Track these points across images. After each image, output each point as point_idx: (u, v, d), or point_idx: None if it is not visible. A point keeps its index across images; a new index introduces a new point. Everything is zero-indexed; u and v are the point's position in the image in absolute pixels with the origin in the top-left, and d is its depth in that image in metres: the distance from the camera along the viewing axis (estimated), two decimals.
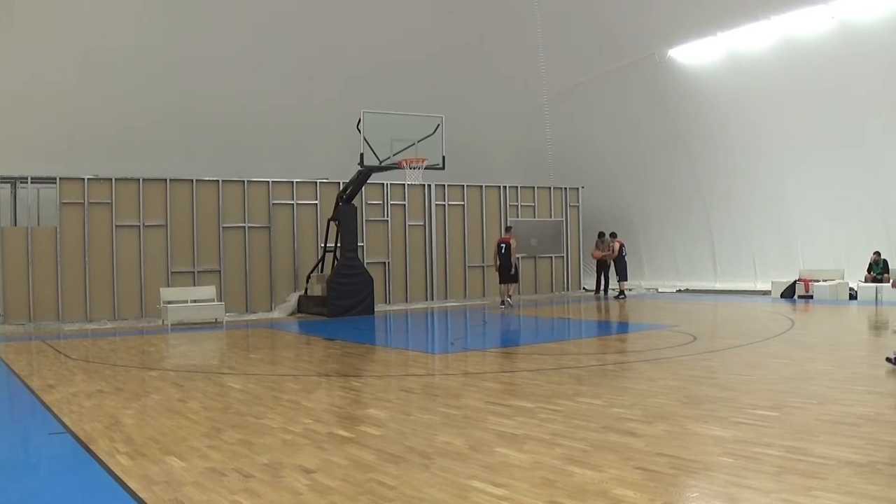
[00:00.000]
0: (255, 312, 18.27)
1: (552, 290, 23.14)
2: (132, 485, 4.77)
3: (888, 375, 8.09)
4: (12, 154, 17.00)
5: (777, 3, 17.36)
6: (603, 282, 21.93)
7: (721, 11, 18.20)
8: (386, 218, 20.33)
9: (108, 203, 16.89)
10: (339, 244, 17.53)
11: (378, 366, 10.57)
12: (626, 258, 21.30)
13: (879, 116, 16.96)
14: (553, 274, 23.31)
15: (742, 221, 20.83)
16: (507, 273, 18.86)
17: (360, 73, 20.30)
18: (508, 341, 13.32)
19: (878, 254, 17.60)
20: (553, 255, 23.21)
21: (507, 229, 19.97)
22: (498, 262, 18.94)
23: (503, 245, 18.89)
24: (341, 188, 18.23)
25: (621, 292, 20.78)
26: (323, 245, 18.52)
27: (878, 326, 13.57)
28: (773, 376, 8.15)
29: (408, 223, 20.66)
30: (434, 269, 21.06)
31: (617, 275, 21.21)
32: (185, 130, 19.14)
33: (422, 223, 20.93)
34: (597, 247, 21.97)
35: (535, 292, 22.64)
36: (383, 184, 19.88)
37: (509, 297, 18.99)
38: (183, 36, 18.01)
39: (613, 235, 21.43)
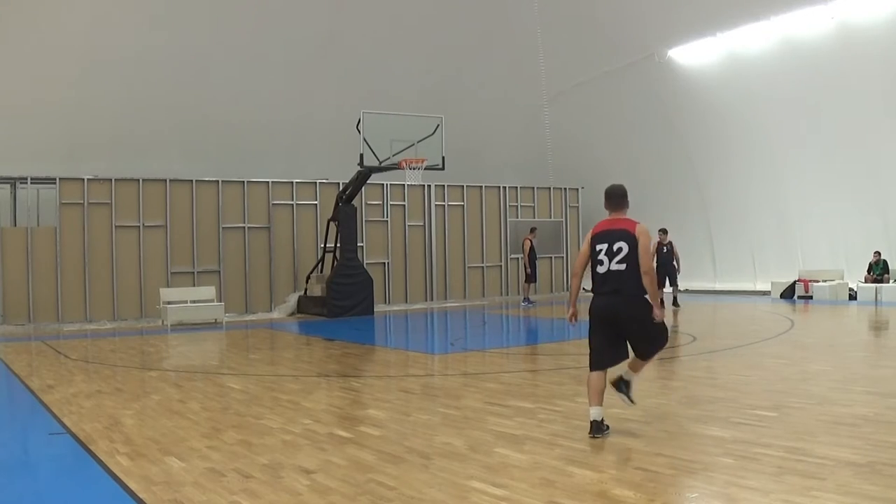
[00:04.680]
0: (254, 313, 18.25)
1: (552, 291, 23.13)
2: (132, 485, 4.76)
3: (888, 376, 8.09)
4: (12, 154, 16.97)
5: (777, 4, 17.36)
6: None
7: (721, 11, 18.18)
8: (386, 218, 20.32)
9: (108, 203, 16.88)
10: (338, 244, 17.53)
11: (377, 366, 10.57)
12: (676, 260, 17.50)
13: (879, 117, 16.95)
14: (553, 274, 23.30)
15: (742, 222, 20.81)
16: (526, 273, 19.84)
17: (360, 73, 20.30)
18: (508, 342, 13.32)
19: (878, 254, 17.59)
20: (553, 256, 23.21)
21: (531, 230, 20.29)
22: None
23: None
24: (341, 188, 18.21)
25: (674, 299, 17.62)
26: (323, 245, 18.51)
27: (877, 327, 13.57)
28: (773, 377, 8.15)
29: (407, 223, 20.65)
30: (434, 270, 21.04)
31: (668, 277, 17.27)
32: (185, 130, 19.11)
33: (421, 223, 20.92)
34: None
35: (535, 293, 22.62)
36: (383, 184, 19.87)
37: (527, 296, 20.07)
38: (183, 37, 17.99)
39: (664, 232, 17.38)
